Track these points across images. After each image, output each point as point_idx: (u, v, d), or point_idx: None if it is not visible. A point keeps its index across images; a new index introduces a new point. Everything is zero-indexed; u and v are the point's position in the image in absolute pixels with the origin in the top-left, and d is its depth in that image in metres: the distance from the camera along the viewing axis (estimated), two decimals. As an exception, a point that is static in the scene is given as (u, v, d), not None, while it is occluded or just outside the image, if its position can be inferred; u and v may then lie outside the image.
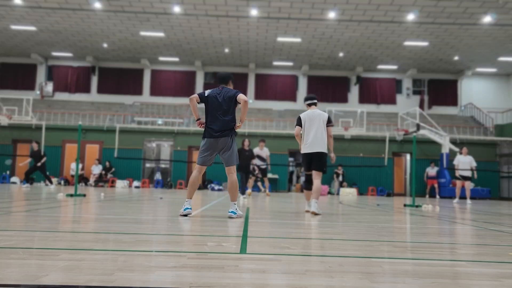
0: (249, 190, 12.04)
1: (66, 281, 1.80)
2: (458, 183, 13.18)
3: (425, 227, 4.83)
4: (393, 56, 22.35)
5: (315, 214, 5.95)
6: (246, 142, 11.81)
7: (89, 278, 1.85)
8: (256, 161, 12.41)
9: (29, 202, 6.76)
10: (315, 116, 6.23)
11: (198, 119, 5.37)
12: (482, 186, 20.55)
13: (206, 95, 5.26)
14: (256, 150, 12.44)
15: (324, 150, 6.20)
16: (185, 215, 5.05)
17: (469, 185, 12.93)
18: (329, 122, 6.26)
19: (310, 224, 4.83)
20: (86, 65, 24.59)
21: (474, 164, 12.98)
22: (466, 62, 22.95)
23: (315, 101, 6.41)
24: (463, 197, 15.74)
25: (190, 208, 5.11)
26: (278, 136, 21.46)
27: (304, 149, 6.27)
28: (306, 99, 6.51)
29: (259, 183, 16.71)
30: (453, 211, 8.29)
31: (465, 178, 12.96)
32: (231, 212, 5.10)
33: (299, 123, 6.31)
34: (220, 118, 5.14)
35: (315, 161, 6.19)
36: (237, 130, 5.43)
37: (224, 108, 5.16)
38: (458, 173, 13.00)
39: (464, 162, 12.90)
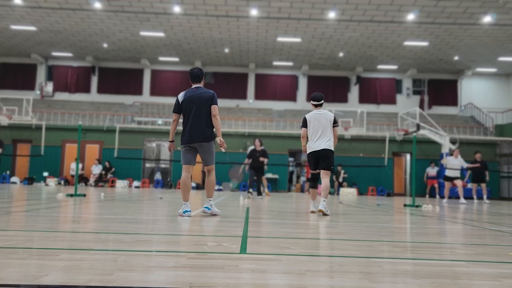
0: (266, 190, 11.99)
1: (66, 281, 1.80)
2: (447, 184, 13.32)
3: (425, 227, 4.83)
4: (393, 56, 22.34)
5: (323, 213, 5.83)
6: (257, 143, 11.67)
7: (89, 278, 1.85)
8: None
9: (29, 202, 6.76)
10: (322, 116, 6.14)
11: (172, 141, 5.24)
12: (482, 186, 20.53)
13: (181, 101, 5.07)
14: None
15: (330, 147, 6.09)
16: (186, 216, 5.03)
17: (460, 184, 13.01)
18: (334, 123, 6.18)
19: (310, 224, 4.83)
20: (86, 65, 24.59)
21: (464, 164, 13.10)
22: (466, 62, 22.94)
23: (322, 101, 6.29)
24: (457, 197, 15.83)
25: (190, 211, 5.04)
26: (278, 136, 21.44)
27: (310, 148, 6.18)
28: (314, 99, 6.28)
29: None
30: (453, 211, 8.28)
31: (452, 178, 13.09)
32: (205, 207, 5.19)
33: (304, 124, 6.23)
34: (195, 123, 4.96)
35: (322, 159, 6.08)
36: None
37: (198, 111, 4.98)
38: (447, 172, 13.22)
39: (453, 164, 13.01)
